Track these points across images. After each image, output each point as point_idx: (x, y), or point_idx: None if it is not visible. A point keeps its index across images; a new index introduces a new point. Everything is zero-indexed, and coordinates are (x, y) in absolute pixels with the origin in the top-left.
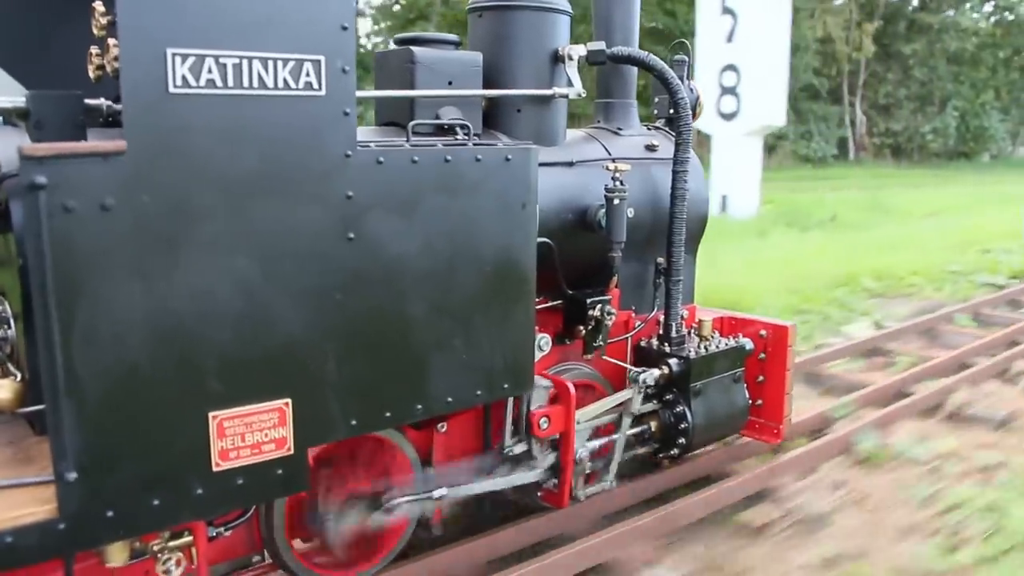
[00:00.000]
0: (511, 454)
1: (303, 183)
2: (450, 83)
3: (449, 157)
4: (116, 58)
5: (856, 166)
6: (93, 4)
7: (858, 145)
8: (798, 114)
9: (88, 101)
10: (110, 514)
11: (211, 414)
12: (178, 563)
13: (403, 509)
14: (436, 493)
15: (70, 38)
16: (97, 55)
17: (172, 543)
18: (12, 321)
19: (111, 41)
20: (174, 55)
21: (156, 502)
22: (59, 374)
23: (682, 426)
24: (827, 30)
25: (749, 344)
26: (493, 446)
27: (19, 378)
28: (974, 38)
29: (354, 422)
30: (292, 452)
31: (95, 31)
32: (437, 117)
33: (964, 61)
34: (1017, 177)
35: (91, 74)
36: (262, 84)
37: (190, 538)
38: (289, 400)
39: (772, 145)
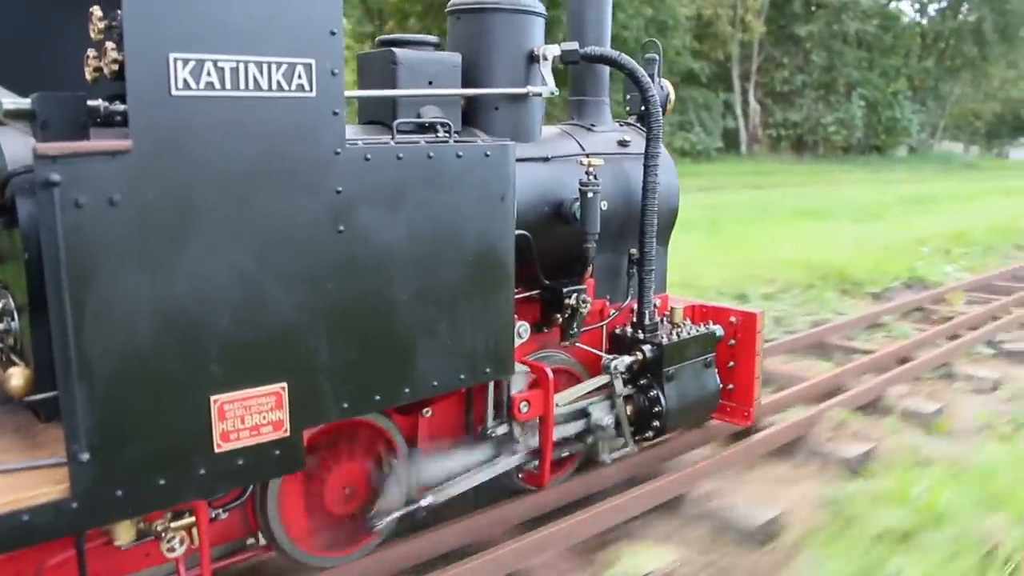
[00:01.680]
0: (493, 435)
1: (296, 179)
2: (430, 83)
3: (432, 153)
4: (114, 60)
5: (748, 160)
6: (91, 9)
7: (751, 137)
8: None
9: (90, 102)
10: (119, 493)
11: (212, 398)
12: (181, 541)
13: (390, 520)
14: (424, 503)
15: (59, 42)
16: (94, 58)
17: (175, 523)
18: (16, 314)
19: (109, 44)
20: (176, 59)
21: (162, 481)
22: (72, 359)
23: (656, 409)
24: (702, 7)
25: (720, 330)
26: (476, 430)
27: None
28: (874, 21)
29: (346, 405)
30: (288, 434)
31: (92, 35)
32: (419, 116)
33: (875, 47)
34: (930, 173)
35: (88, 76)
36: (257, 86)
37: (192, 519)
38: (285, 384)
39: None
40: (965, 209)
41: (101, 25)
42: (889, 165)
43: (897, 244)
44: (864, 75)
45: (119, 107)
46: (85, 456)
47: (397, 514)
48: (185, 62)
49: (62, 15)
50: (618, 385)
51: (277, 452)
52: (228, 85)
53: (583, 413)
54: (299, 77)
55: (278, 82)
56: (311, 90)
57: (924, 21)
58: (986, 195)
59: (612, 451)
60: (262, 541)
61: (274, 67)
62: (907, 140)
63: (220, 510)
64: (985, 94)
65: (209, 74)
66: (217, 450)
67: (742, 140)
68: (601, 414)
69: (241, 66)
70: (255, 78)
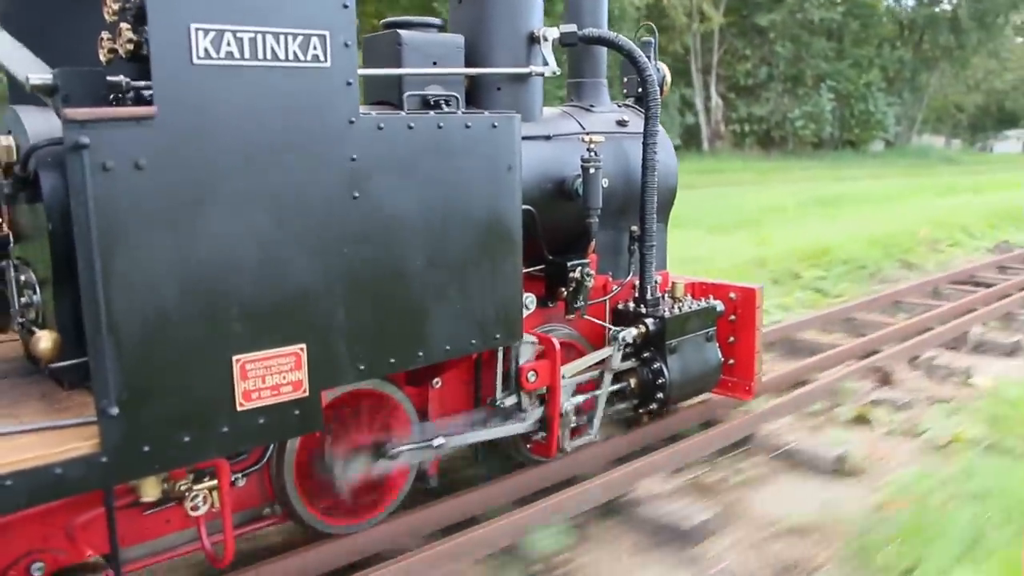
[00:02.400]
0: (502, 406)
1: (312, 146)
2: (435, 63)
3: (441, 124)
4: (129, 40)
5: (710, 158)
6: None
7: (713, 133)
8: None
9: (109, 78)
10: (146, 449)
11: (235, 357)
12: (204, 499)
13: (405, 456)
14: (436, 442)
15: (69, 27)
16: (108, 39)
17: (197, 485)
18: (38, 287)
19: (124, 25)
20: (197, 30)
21: (187, 438)
22: (101, 318)
23: (660, 382)
24: None
25: (720, 305)
26: (484, 401)
27: None
28: (840, 7)
29: (362, 367)
30: (308, 394)
31: (107, 16)
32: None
33: (845, 36)
34: (896, 169)
35: (102, 57)
36: (275, 56)
37: (213, 481)
38: (304, 345)
39: None
40: (873, 212)
41: (115, 7)
42: (860, 161)
43: (741, 263)
44: (834, 66)
45: (140, 83)
46: (115, 411)
47: (412, 446)
48: (206, 32)
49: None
50: (616, 359)
51: (296, 412)
52: (247, 55)
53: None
54: (314, 48)
55: (294, 52)
56: (326, 60)
57: (897, 7)
58: (920, 193)
59: (572, 440)
60: (278, 509)
61: (290, 38)
62: (881, 134)
63: (239, 475)
64: (967, 86)
65: (228, 44)
66: (239, 408)
67: (704, 137)
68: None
69: (259, 36)
70: (272, 48)
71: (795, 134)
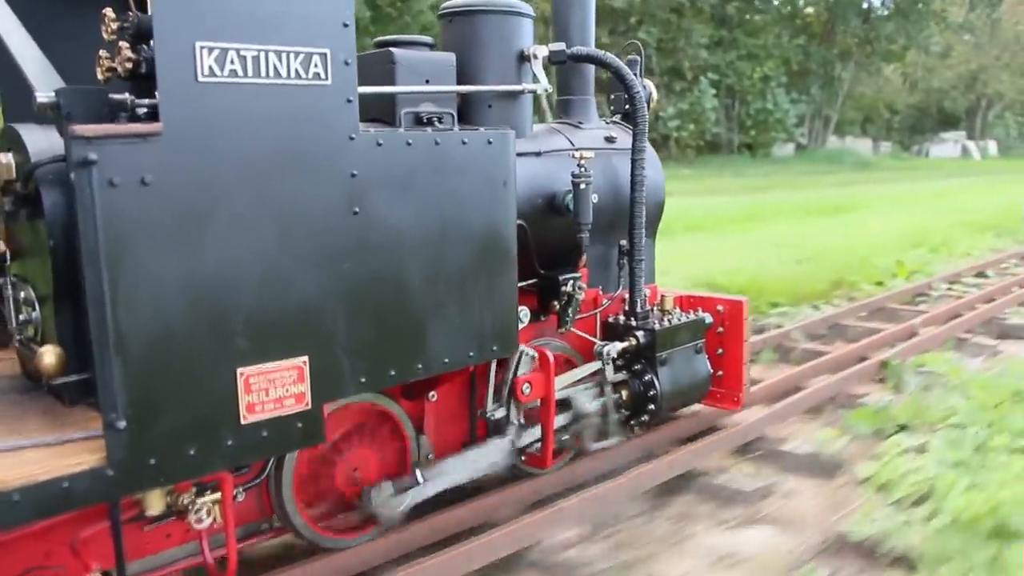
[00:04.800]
0: (492, 418)
1: (314, 163)
2: (427, 81)
3: (439, 140)
4: (128, 59)
5: None
6: (104, 11)
7: None
8: None
9: (112, 96)
10: (152, 462)
11: (239, 370)
12: (208, 512)
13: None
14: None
15: (65, 45)
16: (107, 58)
17: (200, 499)
18: (37, 304)
19: (123, 44)
20: (202, 48)
21: (192, 451)
22: (108, 330)
23: (651, 393)
24: None
25: (708, 317)
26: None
27: None
28: None
29: (363, 379)
30: (310, 407)
31: (105, 35)
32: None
33: (734, 22)
34: (797, 178)
35: (100, 76)
36: (277, 74)
37: (216, 495)
38: (306, 358)
39: None
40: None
41: (114, 26)
42: (741, 168)
43: None
44: (720, 57)
45: (145, 102)
46: (122, 424)
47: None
48: (210, 50)
49: (70, 18)
50: (609, 371)
51: (299, 424)
52: (250, 72)
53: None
54: (315, 66)
55: (296, 70)
56: (327, 78)
57: None
58: (763, 219)
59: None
60: (276, 524)
61: (292, 56)
62: (781, 136)
63: (239, 489)
64: (910, 84)
65: (232, 62)
66: (243, 421)
67: None
68: (586, 401)
69: (262, 55)
70: (275, 66)
71: (673, 136)
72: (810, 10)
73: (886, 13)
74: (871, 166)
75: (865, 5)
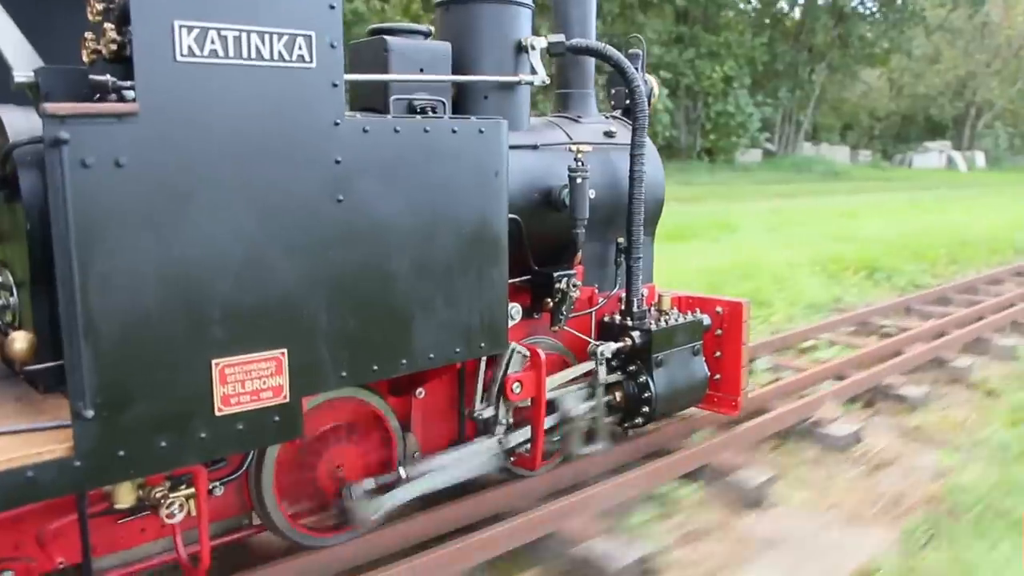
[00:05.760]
0: (480, 418)
1: (296, 148)
2: (422, 70)
3: (428, 128)
4: (112, 41)
5: None
6: None
7: None
8: None
9: (92, 76)
10: (121, 453)
11: (214, 361)
12: (181, 507)
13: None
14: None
15: (53, 27)
16: (92, 39)
17: (174, 493)
18: (15, 289)
19: (107, 25)
20: (181, 27)
21: (163, 443)
22: (78, 318)
23: (645, 395)
24: None
25: (706, 319)
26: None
27: None
28: None
29: (344, 374)
30: (288, 400)
31: (91, 17)
32: (411, 101)
33: (696, 19)
34: (744, 189)
35: (85, 58)
36: (259, 55)
37: (191, 489)
38: (285, 350)
39: None
40: None
41: (99, 7)
42: (694, 175)
43: None
44: (676, 55)
45: (127, 83)
46: (90, 413)
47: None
48: (189, 29)
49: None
50: (602, 373)
51: (276, 418)
52: (231, 53)
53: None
54: (300, 48)
55: (279, 52)
56: (311, 61)
57: None
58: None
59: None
60: (256, 520)
61: (275, 37)
62: (744, 142)
63: (217, 483)
64: (896, 90)
65: (212, 42)
66: (218, 413)
67: None
68: (573, 404)
69: (243, 35)
70: (257, 47)
71: None
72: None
73: (861, 12)
74: (841, 176)
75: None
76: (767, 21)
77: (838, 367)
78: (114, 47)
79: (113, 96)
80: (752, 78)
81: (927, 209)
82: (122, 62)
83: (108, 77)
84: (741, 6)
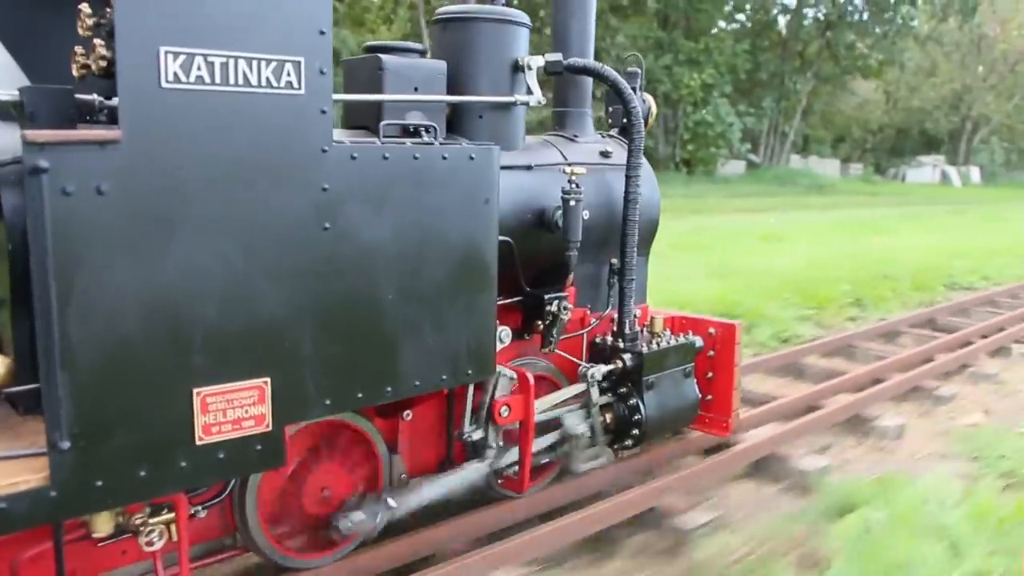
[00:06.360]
0: (469, 440)
1: (283, 175)
2: (416, 89)
3: (417, 154)
4: (102, 57)
5: None
6: (80, 6)
7: None
8: None
9: (79, 96)
10: (99, 483)
11: (195, 390)
12: (160, 534)
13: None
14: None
15: (44, 41)
16: (82, 54)
17: (154, 519)
18: None
19: (97, 41)
20: (167, 52)
21: (143, 473)
22: (55, 347)
23: (636, 418)
24: None
25: (699, 341)
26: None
27: None
28: None
29: (328, 402)
30: (271, 429)
31: (81, 31)
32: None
33: (676, 24)
34: (725, 200)
35: (75, 73)
36: (247, 82)
37: (171, 514)
38: (268, 379)
39: None
40: None
41: (90, 22)
42: (667, 187)
43: None
44: (657, 57)
45: (113, 102)
46: (66, 444)
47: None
48: (175, 55)
49: (48, 14)
50: (594, 394)
51: (259, 447)
52: (218, 80)
53: (559, 422)
54: (288, 74)
55: (267, 78)
56: (300, 88)
57: None
58: None
59: (586, 461)
60: (240, 541)
61: (263, 64)
62: (723, 152)
63: (199, 507)
64: (893, 102)
65: (199, 68)
66: (199, 443)
67: None
68: (575, 422)
69: (231, 61)
70: (244, 74)
71: None
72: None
73: (849, 20)
74: (825, 190)
75: (824, 12)
76: (749, 25)
77: None
78: (103, 63)
79: (105, 114)
80: (735, 87)
81: (878, 230)
82: (111, 78)
83: (95, 96)
84: (727, 20)
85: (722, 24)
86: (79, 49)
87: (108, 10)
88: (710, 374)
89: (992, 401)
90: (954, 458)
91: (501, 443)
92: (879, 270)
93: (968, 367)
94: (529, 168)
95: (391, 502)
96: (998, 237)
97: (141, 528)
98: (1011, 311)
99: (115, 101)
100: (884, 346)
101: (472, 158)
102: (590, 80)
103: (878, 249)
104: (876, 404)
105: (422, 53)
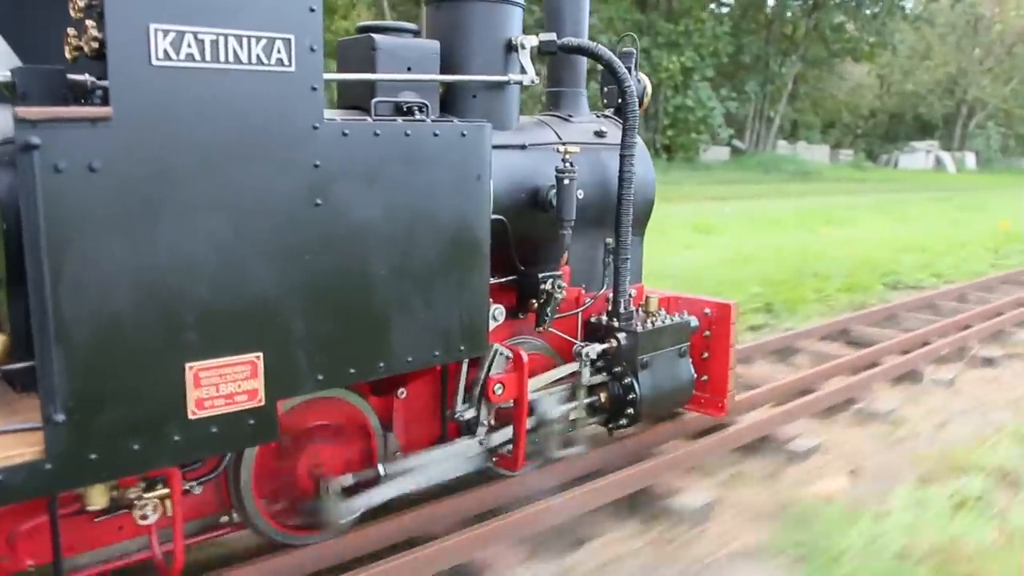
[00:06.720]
0: (461, 418)
1: (274, 152)
2: (409, 69)
3: (409, 131)
4: (94, 38)
5: None
6: None
7: None
8: None
9: (71, 76)
10: (93, 456)
11: (188, 365)
12: (155, 509)
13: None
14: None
15: (37, 23)
16: (74, 36)
17: (148, 493)
18: None
19: (89, 23)
20: (156, 30)
21: (136, 446)
22: (49, 322)
23: (630, 397)
24: None
25: (694, 321)
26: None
27: None
28: None
29: (320, 377)
30: (263, 403)
31: (73, 13)
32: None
33: (651, 5)
34: (692, 188)
35: (67, 55)
36: (237, 59)
37: (166, 490)
38: (261, 354)
39: None
40: None
41: (82, 3)
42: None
43: None
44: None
45: (105, 83)
46: (60, 417)
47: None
48: (165, 33)
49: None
50: (585, 375)
51: (251, 421)
52: (208, 57)
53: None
54: (278, 52)
55: (258, 56)
56: (290, 65)
57: None
58: None
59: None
60: (235, 518)
61: (254, 41)
62: (704, 138)
63: (194, 483)
64: (887, 87)
65: (189, 46)
66: (192, 417)
67: None
68: (548, 407)
69: (221, 39)
70: (235, 51)
71: None
72: None
73: (836, 1)
74: (811, 176)
75: None
76: (732, 3)
77: None
78: (95, 45)
79: (98, 95)
80: (717, 70)
81: (833, 219)
82: (104, 59)
83: (87, 77)
84: (715, 1)
85: (712, 7)
86: (72, 31)
87: None
88: (705, 354)
89: (869, 453)
90: (769, 558)
91: (494, 421)
92: (812, 267)
93: (854, 403)
94: (523, 147)
95: (381, 468)
96: (970, 227)
97: (136, 502)
98: (949, 317)
99: (107, 83)
100: (772, 366)
101: (464, 135)
102: (584, 60)
103: (822, 242)
104: (686, 470)
105: (415, 33)
